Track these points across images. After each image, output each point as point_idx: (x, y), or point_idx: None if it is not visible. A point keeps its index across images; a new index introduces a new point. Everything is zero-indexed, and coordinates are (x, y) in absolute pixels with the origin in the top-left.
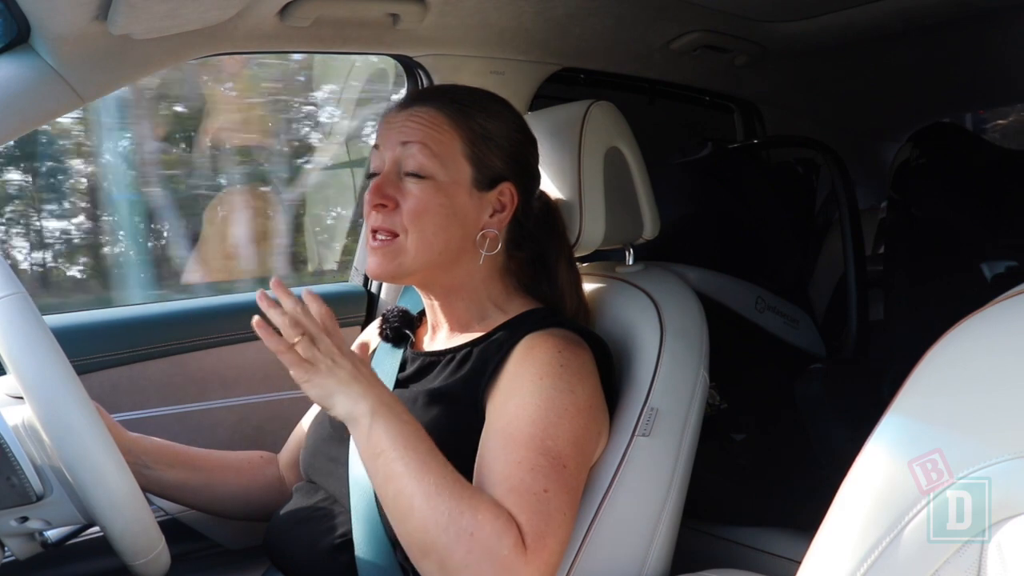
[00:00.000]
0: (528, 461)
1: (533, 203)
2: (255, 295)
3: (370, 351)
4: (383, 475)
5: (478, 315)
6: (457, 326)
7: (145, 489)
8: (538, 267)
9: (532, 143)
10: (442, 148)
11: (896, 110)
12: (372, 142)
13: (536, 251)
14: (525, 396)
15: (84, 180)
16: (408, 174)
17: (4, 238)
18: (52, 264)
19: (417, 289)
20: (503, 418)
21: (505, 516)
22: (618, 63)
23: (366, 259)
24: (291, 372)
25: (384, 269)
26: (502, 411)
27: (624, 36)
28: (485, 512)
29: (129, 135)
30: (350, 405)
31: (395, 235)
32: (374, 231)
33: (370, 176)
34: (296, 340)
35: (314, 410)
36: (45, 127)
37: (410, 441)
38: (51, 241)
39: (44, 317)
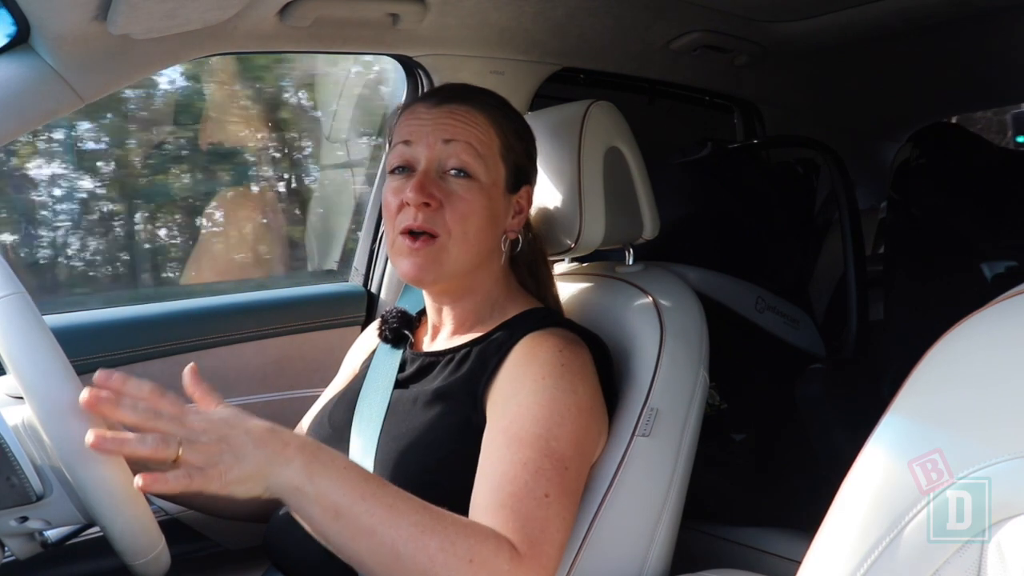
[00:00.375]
0: (533, 463)
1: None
2: (254, 297)
3: (370, 352)
4: (349, 535)
5: (481, 316)
6: (459, 327)
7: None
8: (533, 268)
9: (535, 145)
10: (485, 149)
11: (896, 110)
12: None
13: (533, 252)
14: (528, 395)
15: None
16: (454, 172)
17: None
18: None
19: (430, 293)
20: (506, 417)
21: (492, 533)
22: (618, 63)
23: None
24: (208, 489)
25: (426, 272)
26: (504, 410)
27: (624, 36)
28: (474, 534)
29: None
30: (283, 476)
31: (436, 236)
32: (410, 231)
33: (394, 171)
34: (177, 450)
35: (314, 410)
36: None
37: (365, 488)
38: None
39: (44, 317)
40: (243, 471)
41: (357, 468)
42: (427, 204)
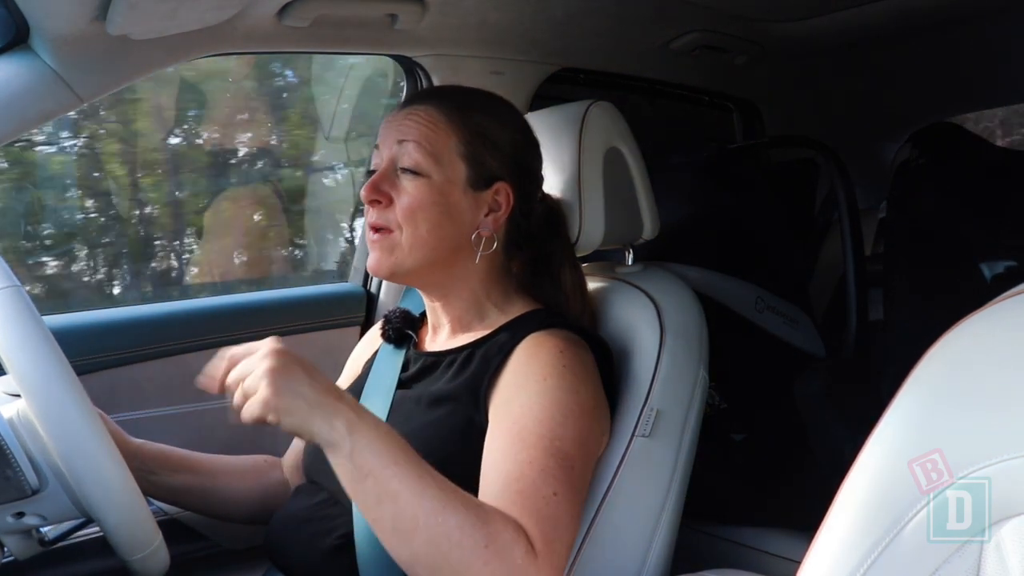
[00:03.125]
0: (538, 462)
1: (535, 205)
2: (254, 297)
3: (373, 352)
4: (375, 496)
5: (478, 315)
6: (458, 326)
7: (150, 495)
8: (540, 269)
9: (533, 145)
10: (437, 146)
11: (896, 110)
12: (372, 142)
13: (538, 253)
14: (530, 396)
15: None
16: (403, 171)
17: None
18: None
19: (418, 290)
20: (509, 418)
21: (513, 523)
22: (618, 63)
23: (366, 258)
24: (258, 415)
25: (381, 264)
26: (507, 411)
27: (623, 36)
28: (495, 522)
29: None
30: (326, 424)
31: (391, 231)
32: (372, 228)
33: (369, 174)
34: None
35: None
36: None
37: (399, 455)
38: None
39: (44, 318)
40: (293, 405)
41: (397, 436)
42: (378, 202)
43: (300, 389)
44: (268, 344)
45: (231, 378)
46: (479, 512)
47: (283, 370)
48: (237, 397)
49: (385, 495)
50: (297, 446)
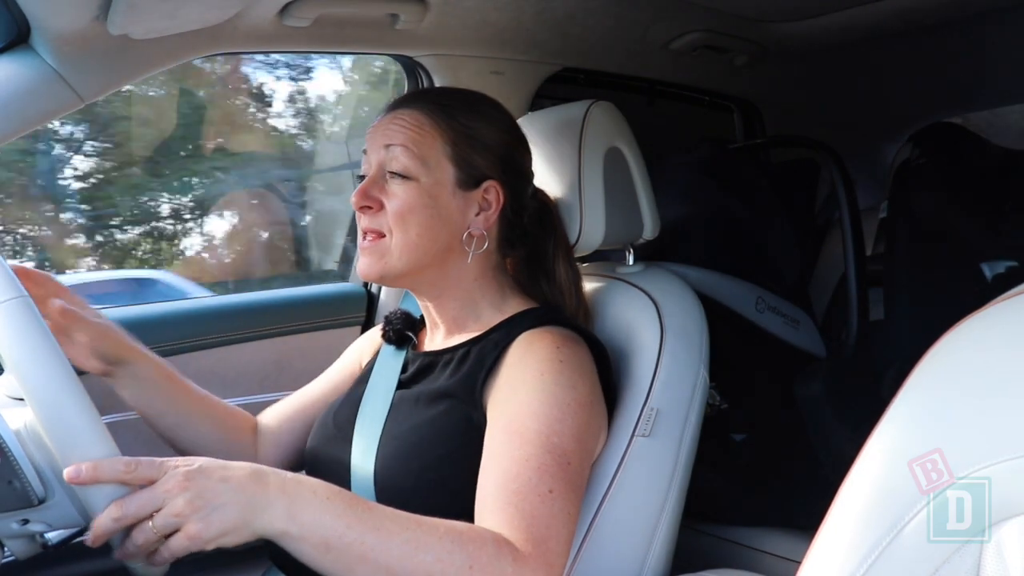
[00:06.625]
0: (535, 458)
1: (526, 202)
2: (254, 297)
3: (374, 354)
4: (344, 564)
5: (473, 315)
6: (454, 326)
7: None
8: (535, 266)
9: (521, 143)
10: (424, 149)
11: (896, 110)
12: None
13: (532, 250)
14: (528, 392)
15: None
16: (392, 175)
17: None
18: None
19: (410, 291)
20: (506, 415)
21: (491, 535)
22: (618, 63)
23: None
24: (195, 547)
25: (372, 269)
26: (505, 408)
27: (624, 36)
28: (473, 541)
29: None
30: (266, 520)
31: (382, 235)
32: (364, 232)
33: (360, 179)
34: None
35: (311, 388)
36: None
37: (350, 516)
38: None
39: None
40: (224, 522)
41: (341, 496)
42: (368, 207)
43: (223, 499)
44: (164, 470)
45: (124, 518)
46: (454, 536)
47: (197, 490)
48: (144, 540)
49: (352, 561)
50: (278, 412)
